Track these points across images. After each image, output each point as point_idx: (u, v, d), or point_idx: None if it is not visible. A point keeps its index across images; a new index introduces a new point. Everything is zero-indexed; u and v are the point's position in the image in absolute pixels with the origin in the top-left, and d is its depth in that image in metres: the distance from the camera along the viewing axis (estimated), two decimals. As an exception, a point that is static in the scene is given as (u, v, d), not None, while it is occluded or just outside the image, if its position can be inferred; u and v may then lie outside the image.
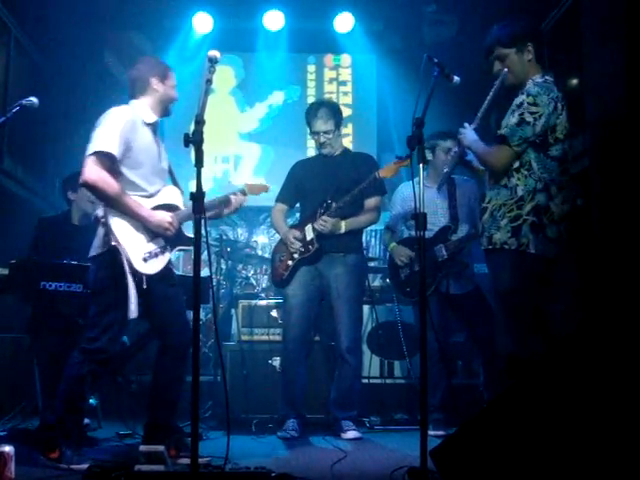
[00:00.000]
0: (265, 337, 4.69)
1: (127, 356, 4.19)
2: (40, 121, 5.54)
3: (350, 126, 6.87)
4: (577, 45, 4.73)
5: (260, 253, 6.02)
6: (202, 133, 2.50)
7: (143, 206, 3.17)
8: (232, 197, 3.53)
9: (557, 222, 3.04)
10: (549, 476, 2.12)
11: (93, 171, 3.04)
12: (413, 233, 4.38)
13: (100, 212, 3.16)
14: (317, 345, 4.52)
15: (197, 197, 2.45)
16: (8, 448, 2.56)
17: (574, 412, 2.14)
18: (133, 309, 3.06)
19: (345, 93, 7.00)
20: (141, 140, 3.22)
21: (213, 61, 2.64)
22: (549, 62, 5.34)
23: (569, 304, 4.41)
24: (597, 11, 4.36)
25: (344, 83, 7.03)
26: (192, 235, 2.43)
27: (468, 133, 3.25)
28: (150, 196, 3.26)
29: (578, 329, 2.23)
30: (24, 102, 3.40)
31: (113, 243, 3.08)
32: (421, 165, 2.77)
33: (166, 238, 3.24)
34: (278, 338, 4.58)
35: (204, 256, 3.59)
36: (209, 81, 2.64)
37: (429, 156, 4.27)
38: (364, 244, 4.81)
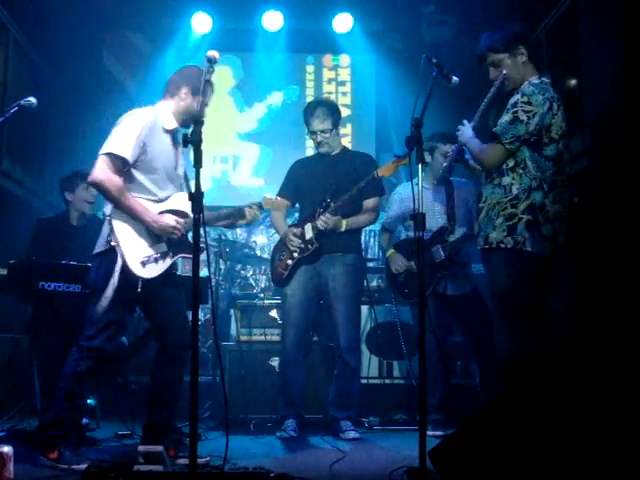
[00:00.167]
0: (264, 337, 4.69)
1: (126, 356, 4.19)
2: (39, 121, 5.54)
3: (349, 126, 6.88)
4: (576, 46, 4.74)
5: (259, 253, 6.02)
6: (201, 133, 2.49)
7: (149, 210, 3.16)
8: (247, 210, 3.49)
9: (552, 220, 3.05)
10: (548, 476, 2.13)
11: (102, 171, 3.06)
12: (410, 234, 4.38)
13: (107, 210, 3.16)
14: (316, 345, 4.52)
15: (196, 197, 2.45)
16: (7, 448, 2.57)
17: (573, 412, 2.14)
18: (102, 309, 3.05)
19: (344, 93, 7.01)
20: (158, 146, 3.21)
21: (212, 61, 2.64)
22: (548, 63, 5.35)
23: (569, 304, 4.42)
24: (595, 12, 4.37)
25: (343, 83, 7.03)
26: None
27: (466, 130, 3.27)
28: (159, 201, 3.25)
29: (577, 329, 2.23)
30: (23, 102, 3.40)
31: (113, 243, 3.08)
32: (420, 165, 2.78)
33: (170, 244, 3.23)
34: (277, 338, 4.58)
35: (203, 256, 3.58)
36: (208, 81, 2.64)
37: (427, 158, 4.27)
38: (363, 244, 4.81)
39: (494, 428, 2.23)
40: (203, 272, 4.49)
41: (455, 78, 2.98)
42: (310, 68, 7.05)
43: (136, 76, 6.59)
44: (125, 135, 3.11)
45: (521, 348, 2.97)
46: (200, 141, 2.48)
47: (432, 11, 6.31)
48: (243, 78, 6.98)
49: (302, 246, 4.14)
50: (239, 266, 5.75)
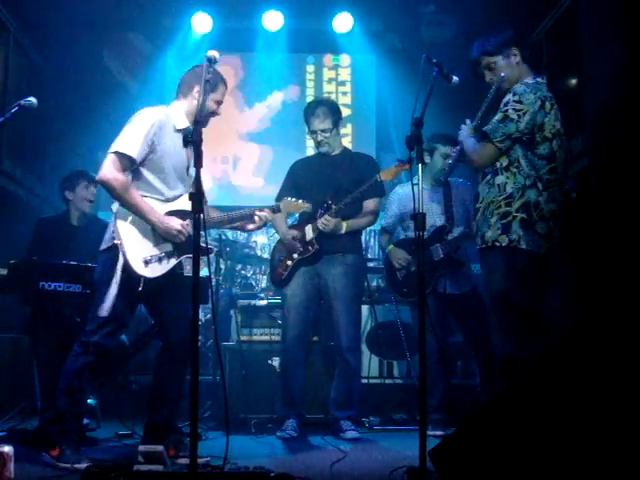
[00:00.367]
0: (264, 337, 4.69)
1: (126, 356, 4.20)
2: (39, 121, 5.55)
3: (349, 126, 6.88)
4: (576, 45, 4.74)
5: (259, 253, 6.02)
6: (201, 133, 2.49)
7: (155, 210, 3.15)
8: (257, 213, 3.41)
9: (547, 218, 3.06)
10: (548, 476, 2.13)
11: (108, 170, 3.06)
12: (409, 234, 4.39)
13: (114, 207, 3.17)
14: (316, 345, 4.52)
15: (196, 197, 2.45)
16: (7, 448, 2.56)
17: (573, 412, 2.14)
18: (105, 307, 3.06)
19: (344, 93, 7.01)
20: (168, 145, 3.19)
21: (212, 61, 2.64)
22: (548, 62, 5.35)
23: (567, 302, 4.42)
24: (595, 11, 4.37)
25: (343, 83, 7.04)
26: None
27: (464, 129, 3.28)
28: (167, 201, 3.23)
29: (576, 328, 2.23)
30: (23, 102, 3.40)
31: (116, 241, 3.09)
32: (420, 165, 2.78)
33: (176, 245, 3.22)
34: (277, 338, 4.59)
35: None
36: (208, 81, 2.64)
37: (426, 159, 4.27)
38: (363, 244, 4.80)
39: (494, 428, 2.23)
40: (203, 272, 4.48)
41: (455, 78, 2.98)
42: (310, 68, 7.05)
43: (136, 76, 6.60)
44: (133, 134, 3.11)
45: (518, 347, 2.97)
46: (201, 141, 2.48)
47: (432, 11, 6.31)
48: (243, 78, 6.98)
49: (302, 248, 4.15)
50: (239, 266, 5.75)
